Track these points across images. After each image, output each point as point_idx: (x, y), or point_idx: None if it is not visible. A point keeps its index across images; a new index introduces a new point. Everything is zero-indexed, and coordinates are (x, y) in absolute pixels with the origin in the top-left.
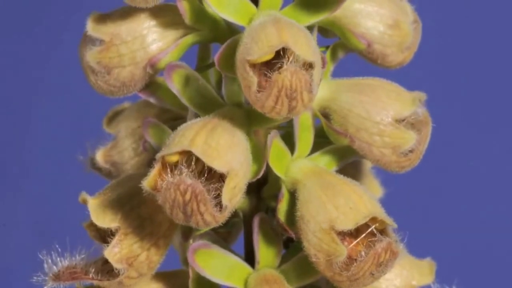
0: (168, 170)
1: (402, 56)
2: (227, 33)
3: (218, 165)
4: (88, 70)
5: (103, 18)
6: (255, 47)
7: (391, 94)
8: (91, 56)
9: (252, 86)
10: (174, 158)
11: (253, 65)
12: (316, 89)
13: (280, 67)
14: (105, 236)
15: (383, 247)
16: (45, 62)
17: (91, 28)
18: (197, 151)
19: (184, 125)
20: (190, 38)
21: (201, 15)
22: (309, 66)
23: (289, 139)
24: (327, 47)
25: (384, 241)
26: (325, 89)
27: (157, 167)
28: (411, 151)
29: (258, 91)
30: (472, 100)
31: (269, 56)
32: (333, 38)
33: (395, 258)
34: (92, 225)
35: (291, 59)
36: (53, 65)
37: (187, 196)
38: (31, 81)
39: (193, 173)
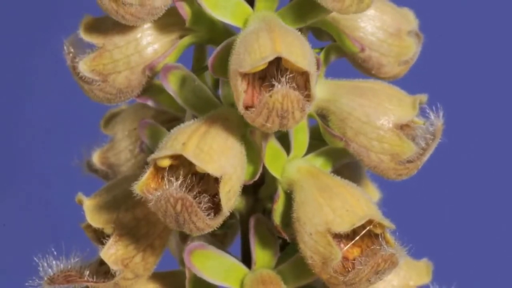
0: (160, 177)
1: (398, 69)
2: (223, 34)
3: (211, 170)
4: (81, 80)
5: (95, 22)
6: (248, 58)
7: (393, 99)
8: (84, 64)
9: (240, 99)
10: (167, 162)
11: (247, 74)
12: (309, 106)
13: (271, 89)
14: (102, 237)
15: (385, 258)
16: (44, 62)
17: (83, 33)
18: (189, 155)
19: (177, 127)
20: (187, 40)
21: (199, 17)
22: (304, 74)
23: (285, 139)
24: (321, 49)
25: (386, 252)
26: (323, 90)
27: (149, 171)
28: (410, 161)
29: (248, 108)
30: (470, 101)
31: (262, 66)
32: (326, 41)
33: (394, 268)
34: (89, 226)
35: (285, 72)
36: (52, 66)
37: (178, 208)
38: (30, 82)
39: (187, 177)
